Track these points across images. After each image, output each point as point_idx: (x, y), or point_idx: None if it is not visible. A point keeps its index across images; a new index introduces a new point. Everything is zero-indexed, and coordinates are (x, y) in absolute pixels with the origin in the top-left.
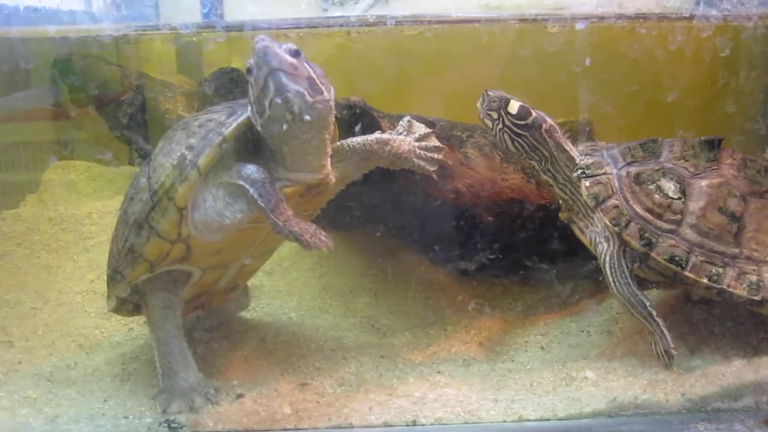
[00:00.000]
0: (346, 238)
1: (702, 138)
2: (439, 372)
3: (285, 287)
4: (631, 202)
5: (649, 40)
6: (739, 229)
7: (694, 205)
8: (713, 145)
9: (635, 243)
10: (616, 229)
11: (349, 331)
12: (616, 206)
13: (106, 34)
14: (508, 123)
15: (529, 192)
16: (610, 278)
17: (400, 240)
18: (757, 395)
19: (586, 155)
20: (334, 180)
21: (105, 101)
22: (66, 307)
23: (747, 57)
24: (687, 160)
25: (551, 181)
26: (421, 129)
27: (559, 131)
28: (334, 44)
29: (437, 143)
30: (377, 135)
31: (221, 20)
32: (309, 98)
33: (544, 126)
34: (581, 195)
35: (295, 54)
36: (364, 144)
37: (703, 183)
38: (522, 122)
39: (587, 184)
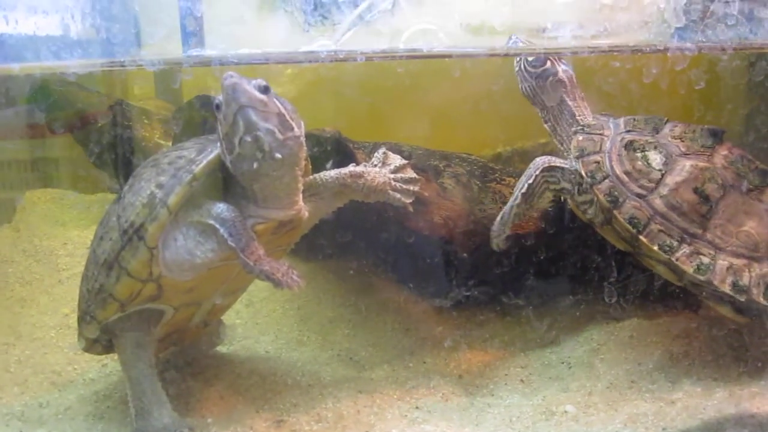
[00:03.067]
0: (325, 268)
1: (707, 126)
2: (417, 408)
3: (263, 319)
4: (613, 162)
5: (623, 73)
6: (709, 213)
7: (671, 178)
8: (714, 135)
9: (602, 198)
10: (590, 180)
11: (326, 365)
12: (597, 162)
13: (71, 72)
14: (523, 66)
15: None
16: (537, 160)
17: (380, 270)
18: (738, 429)
19: (595, 118)
20: (307, 215)
21: (81, 127)
22: (39, 343)
23: (722, 89)
24: (683, 141)
25: (550, 132)
26: (396, 160)
27: (569, 87)
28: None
29: (413, 175)
30: (351, 168)
31: (190, 56)
32: (279, 135)
33: (551, 78)
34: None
35: (265, 90)
36: (337, 178)
37: (688, 162)
38: (533, 69)
39: (580, 138)
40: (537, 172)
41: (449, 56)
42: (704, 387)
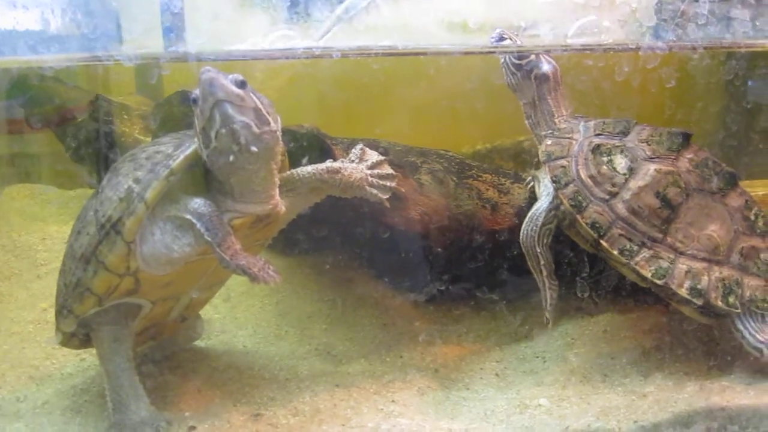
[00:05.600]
0: (303, 263)
1: (673, 129)
2: (393, 401)
3: (241, 313)
4: (579, 167)
5: (596, 71)
6: (671, 218)
7: (635, 183)
8: (680, 138)
9: (567, 202)
10: (555, 185)
11: (304, 359)
12: (563, 167)
13: (47, 67)
14: (508, 58)
15: (484, 217)
16: (523, 226)
17: (357, 265)
18: (708, 422)
19: (566, 121)
20: (284, 210)
21: (60, 123)
22: (17, 337)
23: (693, 88)
24: (649, 144)
25: (531, 128)
26: (373, 156)
27: (552, 83)
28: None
29: (390, 171)
30: (328, 164)
31: (168, 51)
32: (256, 129)
33: (535, 71)
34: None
35: (242, 85)
36: (314, 173)
37: (652, 166)
38: (518, 62)
39: (548, 142)
40: (539, 250)
41: (424, 53)
42: (675, 381)
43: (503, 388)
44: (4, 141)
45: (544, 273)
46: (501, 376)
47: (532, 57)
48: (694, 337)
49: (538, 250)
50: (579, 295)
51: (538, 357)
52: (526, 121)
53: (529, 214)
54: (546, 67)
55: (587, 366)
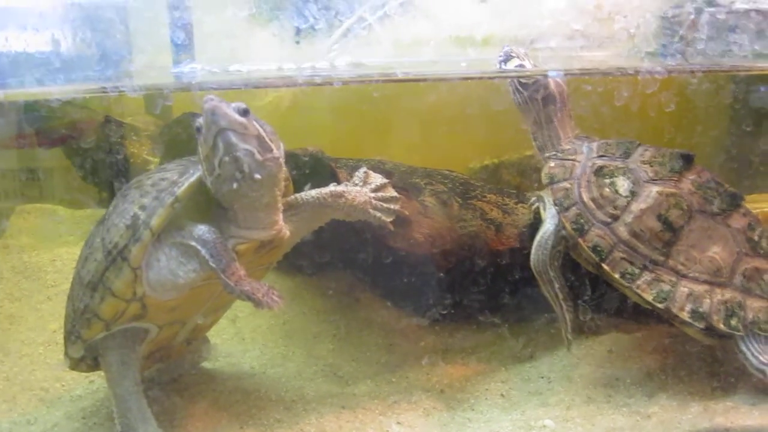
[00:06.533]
0: (309, 284)
1: (676, 150)
2: (398, 422)
3: (249, 334)
4: (582, 189)
5: (594, 96)
6: (672, 240)
7: (636, 206)
8: (683, 159)
9: (569, 225)
10: (557, 208)
11: (311, 380)
12: (566, 189)
13: (54, 99)
14: (516, 80)
15: (488, 238)
16: (533, 251)
17: (363, 287)
18: None
19: (571, 142)
20: (288, 234)
21: (70, 142)
22: (27, 359)
23: (692, 112)
24: (652, 166)
25: (537, 150)
26: (377, 179)
27: (558, 102)
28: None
29: (394, 193)
30: (332, 188)
31: (172, 80)
32: (259, 156)
33: (541, 92)
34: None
35: (244, 113)
36: (318, 197)
37: (654, 188)
38: (525, 81)
39: (552, 164)
40: (553, 274)
41: (424, 80)
42: (679, 401)
43: (508, 409)
44: (15, 160)
45: (560, 296)
46: (506, 397)
47: (538, 78)
48: (698, 358)
49: (552, 275)
50: (581, 318)
51: (542, 378)
52: (534, 143)
53: (537, 239)
54: (554, 85)
55: (591, 386)
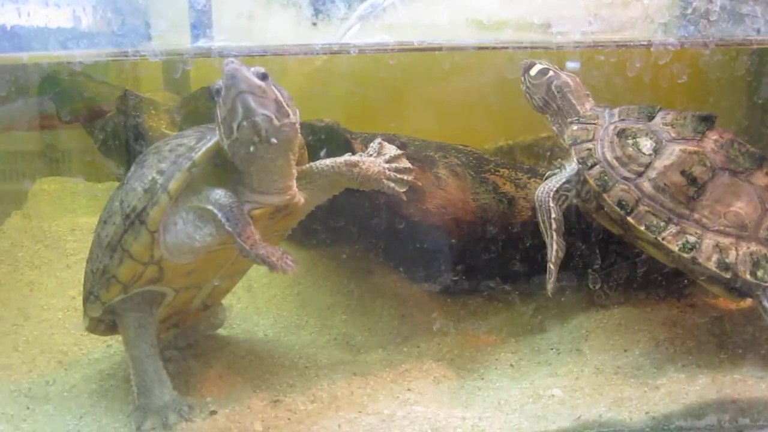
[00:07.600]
0: (323, 254)
1: (697, 112)
2: (409, 389)
3: (263, 304)
4: (605, 149)
5: (608, 67)
6: (697, 195)
7: (660, 162)
8: (705, 121)
9: (593, 182)
10: (581, 167)
11: (323, 348)
12: (589, 149)
13: (77, 62)
14: (528, 83)
15: (500, 211)
16: (541, 186)
17: (376, 256)
18: (720, 414)
19: (592, 109)
20: (302, 201)
21: (90, 117)
22: (47, 324)
23: (704, 83)
24: (674, 127)
25: (557, 132)
26: (391, 150)
27: (573, 87)
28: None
29: (407, 164)
30: (346, 157)
31: (193, 47)
32: (276, 122)
33: (555, 82)
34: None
35: (263, 77)
36: (332, 166)
37: (677, 147)
38: (537, 81)
39: (575, 127)
40: (552, 204)
41: (440, 49)
42: (687, 373)
43: (517, 379)
44: (36, 135)
45: (554, 227)
46: (515, 367)
47: (550, 72)
48: (706, 330)
49: (551, 204)
50: (591, 286)
51: (552, 348)
52: (553, 127)
53: (549, 175)
54: (565, 75)
55: (601, 358)
